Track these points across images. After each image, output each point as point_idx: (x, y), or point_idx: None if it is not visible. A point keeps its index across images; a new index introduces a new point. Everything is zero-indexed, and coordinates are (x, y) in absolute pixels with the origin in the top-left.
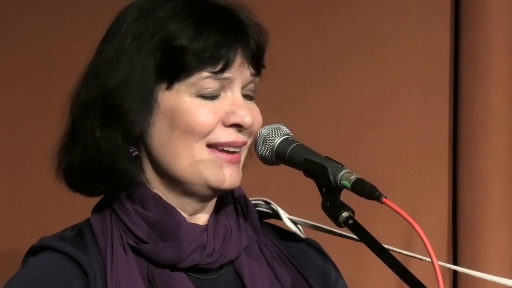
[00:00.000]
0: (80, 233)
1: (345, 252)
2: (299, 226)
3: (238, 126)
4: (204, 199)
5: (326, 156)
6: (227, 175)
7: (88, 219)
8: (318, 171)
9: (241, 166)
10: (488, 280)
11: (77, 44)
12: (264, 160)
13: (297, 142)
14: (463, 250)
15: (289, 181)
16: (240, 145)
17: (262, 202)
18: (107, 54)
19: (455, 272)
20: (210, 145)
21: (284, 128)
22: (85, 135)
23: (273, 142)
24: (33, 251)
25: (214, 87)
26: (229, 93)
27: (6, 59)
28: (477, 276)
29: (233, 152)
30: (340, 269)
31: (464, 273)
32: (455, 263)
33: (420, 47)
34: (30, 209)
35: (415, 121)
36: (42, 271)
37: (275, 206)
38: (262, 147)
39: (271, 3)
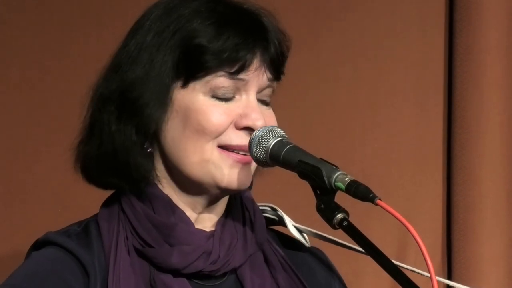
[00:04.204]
0: (86, 229)
1: (340, 255)
2: (304, 234)
3: (250, 130)
4: (214, 198)
5: (320, 158)
6: (236, 176)
7: (96, 215)
8: (313, 173)
9: (252, 169)
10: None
11: (74, 45)
12: (259, 161)
13: (292, 144)
14: (457, 252)
15: (284, 183)
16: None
17: (268, 208)
18: (129, 49)
19: (449, 274)
20: (221, 146)
21: (279, 130)
22: (102, 128)
23: (267, 143)
24: (38, 245)
25: (228, 87)
26: (244, 96)
27: (2, 59)
28: None
29: (244, 155)
30: None
31: (458, 276)
32: (449, 264)
33: (414, 49)
34: (24, 210)
35: (410, 123)
36: (43, 266)
37: (281, 213)
38: (256, 149)
39: (266, 5)
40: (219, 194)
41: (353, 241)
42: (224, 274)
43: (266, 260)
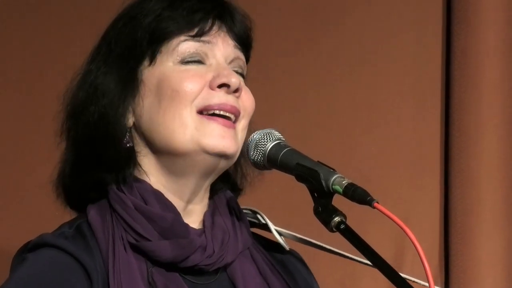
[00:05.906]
0: (79, 231)
1: (336, 258)
2: (283, 237)
3: (225, 86)
4: (203, 173)
5: (318, 161)
6: (220, 139)
7: (83, 215)
8: (310, 175)
9: (240, 137)
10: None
11: (73, 45)
12: (256, 165)
13: (289, 147)
14: (455, 255)
15: (281, 186)
16: (231, 110)
17: (249, 212)
18: (97, 51)
19: (446, 277)
20: (200, 111)
21: (276, 133)
22: (77, 125)
23: (265, 147)
24: (31, 248)
25: (194, 50)
26: (213, 61)
27: (2, 59)
28: None
29: (226, 118)
30: (331, 275)
31: (455, 279)
32: (446, 267)
33: (412, 51)
34: (22, 212)
35: (407, 125)
36: (46, 268)
37: (261, 216)
38: (254, 152)
39: (264, 7)
40: (208, 164)
41: (333, 246)
42: (216, 272)
43: (253, 258)
